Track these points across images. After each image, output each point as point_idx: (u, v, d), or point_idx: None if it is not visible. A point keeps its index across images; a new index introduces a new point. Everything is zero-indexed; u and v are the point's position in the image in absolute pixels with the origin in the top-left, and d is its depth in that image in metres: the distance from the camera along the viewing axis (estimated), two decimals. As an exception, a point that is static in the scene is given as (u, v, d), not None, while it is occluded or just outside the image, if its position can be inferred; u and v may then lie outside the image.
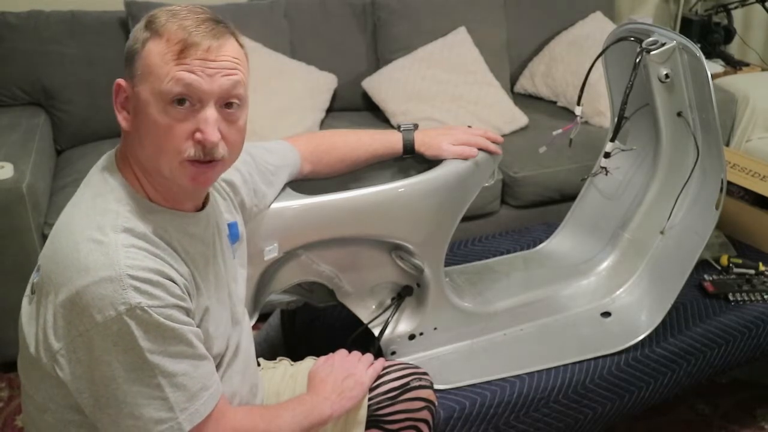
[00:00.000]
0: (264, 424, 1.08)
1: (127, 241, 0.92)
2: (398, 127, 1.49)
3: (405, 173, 1.51)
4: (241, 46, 1.00)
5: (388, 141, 1.47)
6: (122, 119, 0.98)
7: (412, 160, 1.51)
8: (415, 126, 1.49)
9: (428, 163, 1.49)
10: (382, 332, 1.47)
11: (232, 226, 1.18)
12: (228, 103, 0.97)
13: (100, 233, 0.92)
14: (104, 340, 0.90)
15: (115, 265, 0.89)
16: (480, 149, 1.48)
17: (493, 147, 1.49)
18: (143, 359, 0.91)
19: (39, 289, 0.96)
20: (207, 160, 0.96)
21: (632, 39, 1.56)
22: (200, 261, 1.04)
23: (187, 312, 0.97)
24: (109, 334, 0.89)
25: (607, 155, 1.61)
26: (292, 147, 1.39)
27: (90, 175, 1.02)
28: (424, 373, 1.33)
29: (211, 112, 0.94)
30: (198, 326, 1.00)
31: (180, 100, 0.93)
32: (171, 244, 0.98)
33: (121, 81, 0.98)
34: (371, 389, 1.27)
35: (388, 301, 1.50)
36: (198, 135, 0.94)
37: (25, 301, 1.01)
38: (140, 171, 0.99)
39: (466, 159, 1.45)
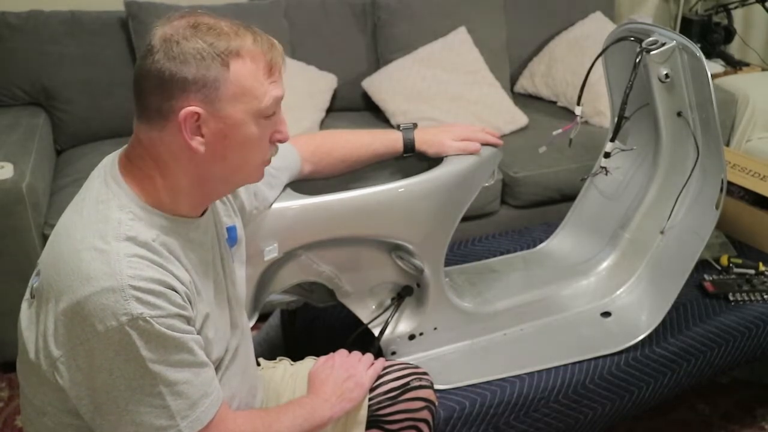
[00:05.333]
0: (264, 427, 1.08)
1: (130, 251, 0.92)
2: (397, 127, 1.49)
3: (405, 173, 1.51)
4: None
5: (389, 140, 1.47)
6: (198, 144, 0.95)
7: (412, 159, 1.51)
8: (414, 125, 1.49)
9: (428, 162, 1.49)
10: (382, 332, 1.47)
11: (230, 230, 1.18)
12: None
13: (102, 241, 0.91)
14: (105, 349, 0.89)
15: (117, 274, 0.89)
16: (483, 144, 1.49)
17: (493, 139, 1.51)
18: (145, 368, 0.91)
19: (39, 294, 0.95)
20: None
21: (632, 39, 1.56)
22: (200, 267, 1.04)
23: (188, 320, 0.97)
24: (111, 344, 0.89)
25: (607, 155, 1.61)
26: (293, 148, 1.39)
27: (91, 179, 1.02)
28: (424, 373, 1.33)
29: (282, 115, 1.04)
30: (198, 332, 1.00)
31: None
32: (173, 251, 0.98)
33: (194, 109, 0.93)
34: (371, 389, 1.27)
35: (388, 301, 1.50)
36: (278, 135, 1.04)
37: (24, 304, 1.00)
38: (188, 184, 0.99)
39: (469, 154, 1.46)
